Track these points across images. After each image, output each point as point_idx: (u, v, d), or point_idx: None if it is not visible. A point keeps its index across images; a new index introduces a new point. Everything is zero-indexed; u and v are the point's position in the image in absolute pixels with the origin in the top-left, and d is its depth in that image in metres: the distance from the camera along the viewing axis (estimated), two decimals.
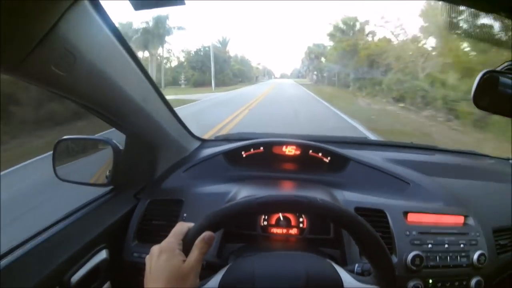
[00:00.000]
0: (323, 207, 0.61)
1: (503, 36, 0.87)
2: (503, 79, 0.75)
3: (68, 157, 1.11)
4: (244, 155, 1.26)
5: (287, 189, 1.11)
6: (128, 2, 0.59)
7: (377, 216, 0.97)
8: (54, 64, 0.60)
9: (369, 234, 0.61)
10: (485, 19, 0.75)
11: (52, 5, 0.54)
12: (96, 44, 0.69)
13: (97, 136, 1.15)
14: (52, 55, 0.59)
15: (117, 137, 1.05)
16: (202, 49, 31.81)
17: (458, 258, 0.91)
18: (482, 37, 0.88)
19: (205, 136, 1.50)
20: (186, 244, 0.58)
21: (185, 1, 0.59)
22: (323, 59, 29.98)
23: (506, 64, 0.75)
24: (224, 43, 35.49)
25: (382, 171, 1.17)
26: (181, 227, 0.61)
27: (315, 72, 33.87)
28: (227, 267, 0.68)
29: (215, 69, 28.61)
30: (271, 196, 0.61)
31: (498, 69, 0.76)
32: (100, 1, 0.67)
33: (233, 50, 54.27)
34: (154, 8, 0.62)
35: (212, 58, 28.13)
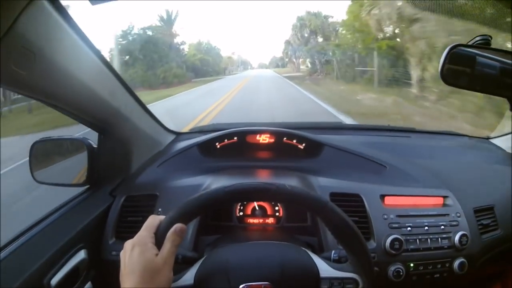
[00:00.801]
0: (291, 193, 0.61)
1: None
2: (480, 58, 0.76)
3: (47, 159, 1.10)
4: (218, 146, 1.25)
5: (262, 178, 1.11)
6: None
7: (353, 200, 0.96)
8: (13, 63, 0.59)
9: (340, 219, 0.61)
10: None
11: (8, 4, 0.54)
12: (55, 41, 0.68)
13: (71, 136, 1.13)
14: (11, 55, 0.58)
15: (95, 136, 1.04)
16: (131, 32, 20.35)
17: (439, 240, 0.91)
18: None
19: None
20: (158, 237, 0.58)
21: None
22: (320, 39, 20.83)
23: (477, 38, 0.75)
24: (169, 21, 23.53)
25: (357, 155, 1.17)
26: (153, 221, 0.61)
27: (309, 59, 22.23)
28: (201, 260, 0.68)
29: (151, 61, 19.90)
30: (239, 184, 0.61)
31: (470, 43, 0.76)
32: None
33: (196, 37, 47.73)
34: (110, 1, 0.60)
35: None
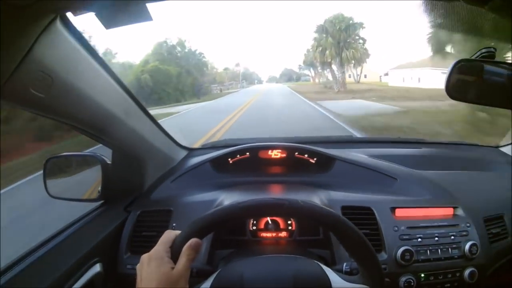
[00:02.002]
0: (304, 209, 0.61)
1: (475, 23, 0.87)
2: (488, 67, 0.76)
3: (61, 174, 1.13)
4: (230, 162, 1.27)
5: (274, 193, 1.12)
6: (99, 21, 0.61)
7: (364, 213, 0.97)
8: (32, 87, 0.62)
9: (351, 232, 0.62)
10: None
11: (26, 31, 0.56)
12: (71, 63, 0.71)
13: (85, 152, 1.16)
14: (30, 79, 0.61)
15: (107, 151, 1.06)
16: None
17: (449, 250, 0.92)
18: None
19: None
20: (174, 252, 0.59)
21: (152, 18, 0.61)
22: None
23: (483, 51, 0.75)
24: None
25: (368, 168, 1.18)
26: (169, 235, 0.62)
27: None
28: (216, 273, 0.69)
29: None
30: (252, 200, 0.62)
31: (473, 57, 0.76)
32: (72, 22, 0.68)
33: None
34: (123, 25, 0.63)
35: None
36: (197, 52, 22.11)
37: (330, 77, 21.51)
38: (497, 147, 1.45)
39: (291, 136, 1.53)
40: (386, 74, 25.74)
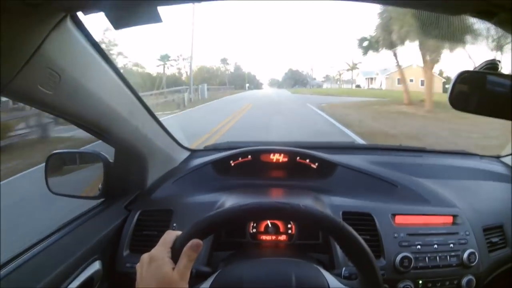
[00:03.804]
0: (305, 213, 0.62)
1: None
2: (490, 78, 0.76)
3: (62, 170, 1.13)
4: (232, 164, 1.27)
5: (275, 196, 1.13)
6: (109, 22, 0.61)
7: (364, 219, 0.98)
8: (40, 83, 0.62)
9: (351, 238, 0.62)
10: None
11: (36, 28, 0.57)
12: (79, 62, 0.72)
13: (87, 149, 1.16)
14: (38, 75, 0.62)
15: (108, 147, 1.06)
16: None
17: (448, 258, 0.92)
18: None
19: None
20: (175, 252, 0.59)
21: (162, 19, 0.61)
22: None
23: (487, 62, 0.75)
24: None
25: (369, 174, 1.18)
26: (169, 236, 0.62)
27: None
28: (215, 274, 0.70)
29: None
30: (254, 203, 0.62)
31: (477, 69, 0.77)
32: (82, 21, 0.68)
33: None
34: (133, 26, 0.64)
35: None
36: None
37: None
38: (498, 157, 1.46)
39: (294, 140, 1.53)
40: None
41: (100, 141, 0.99)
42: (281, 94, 23.57)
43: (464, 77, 0.77)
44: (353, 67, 34.36)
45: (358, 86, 32.59)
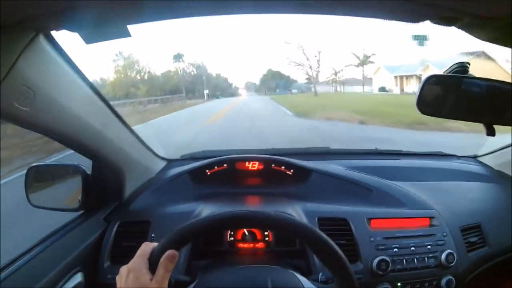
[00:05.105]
0: (277, 220, 0.63)
1: None
2: (460, 82, 0.76)
3: (41, 183, 1.12)
4: (208, 173, 1.28)
5: (251, 204, 1.14)
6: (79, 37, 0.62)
7: (340, 224, 0.99)
8: (16, 101, 0.63)
9: (324, 243, 0.63)
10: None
11: (9, 47, 0.58)
12: (53, 77, 0.72)
13: (67, 162, 1.15)
14: (14, 93, 0.62)
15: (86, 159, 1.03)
16: None
17: (426, 259, 0.94)
18: None
19: None
20: (152, 263, 0.60)
21: (131, 34, 0.62)
22: None
23: (454, 66, 0.76)
24: None
25: (344, 179, 1.20)
26: (146, 248, 0.63)
27: None
28: (193, 284, 0.71)
29: None
30: (227, 212, 0.64)
31: (446, 72, 0.77)
32: (55, 37, 0.69)
33: None
34: (103, 41, 0.64)
35: None
36: None
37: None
38: (475, 157, 1.49)
39: (269, 147, 1.55)
40: None
41: None
42: (261, 111, 14.49)
43: (432, 82, 0.78)
44: (364, 61, 22.75)
45: (383, 89, 20.46)
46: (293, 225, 0.64)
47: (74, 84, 0.80)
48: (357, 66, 23.54)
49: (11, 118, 0.67)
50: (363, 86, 23.71)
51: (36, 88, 0.66)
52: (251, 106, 17.56)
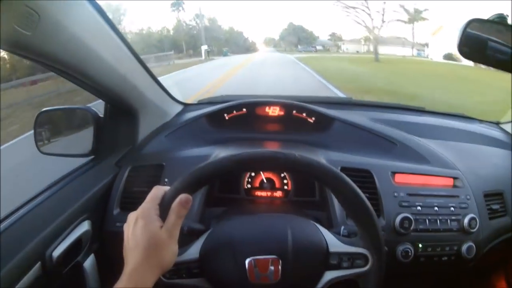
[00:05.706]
0: (301, 162, 0.59)
1: None
2: (497, 28, 0.74)
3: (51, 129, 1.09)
4: (226, 117, 1.23)
5: (270, 148, 1.09)
6: None
7: (363, 176, 0.95)
8: (16, 22, 0.57)
9: (353, 192, 0.59)
10: None
11: None
12: (61, 1, 0.65)
13: (77, 105, 1.12)
14: (14, 13, 0.56)
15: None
16: None
17: (449, 221, 0.90)
18: None
19: None
20: (163, 209, 0.56)
21: None
22: None
23: (495, 15, 0.74)
24: None
25: (368, 130, 1.14)
26: (157, 191, 0.59)
27: None
28: (207, 232, 0.67)
29: None
30: (246, 152, 0.59)
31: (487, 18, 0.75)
32: None
33: None
34: None
35: None
36: None
37: None
38: (498, 123, 1.43)
39: (290, 94, 1.49)
40: None
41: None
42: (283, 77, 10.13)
43: (472, 26, 0.75)
44: (417, 16, 18.53)
45: (449, 56, 16.40)
46: (321, 169, 0.60)
47: (85, 11, 0.73)
48: (407, 22, 19.02)
49: (9, 43, 0.61)
50: (412, 48, 19.18)
51: (40, 10, 0.59)
52: (267, 74, 12.14)
